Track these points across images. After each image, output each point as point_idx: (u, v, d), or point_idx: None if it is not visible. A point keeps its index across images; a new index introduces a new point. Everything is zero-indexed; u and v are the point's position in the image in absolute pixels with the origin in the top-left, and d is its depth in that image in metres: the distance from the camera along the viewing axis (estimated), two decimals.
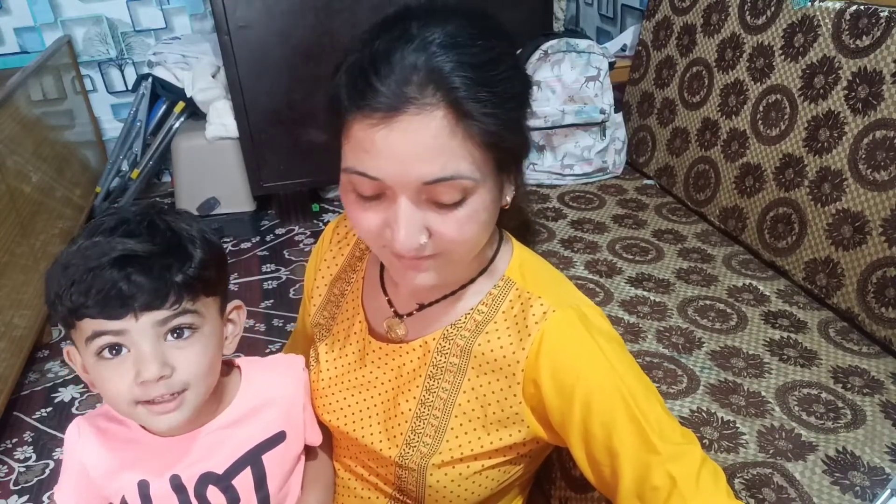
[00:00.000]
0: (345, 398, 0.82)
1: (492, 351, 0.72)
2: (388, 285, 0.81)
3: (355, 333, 0.82)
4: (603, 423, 0.67)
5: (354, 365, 0.82)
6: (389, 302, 0.80)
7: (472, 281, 0.75)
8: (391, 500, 0.81)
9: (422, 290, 0.74)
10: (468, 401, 0.73)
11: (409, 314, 0.78)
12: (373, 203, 0.64)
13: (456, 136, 0.59)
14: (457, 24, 0.61)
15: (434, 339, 0.75)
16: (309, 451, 0.87)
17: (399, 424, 0.76)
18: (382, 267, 0.83)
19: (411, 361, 0.77)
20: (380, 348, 0.79)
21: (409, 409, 0.76)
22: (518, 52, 1.93)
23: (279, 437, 0.78)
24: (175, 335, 0.67)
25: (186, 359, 0.68)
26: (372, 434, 0.79)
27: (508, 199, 0.70)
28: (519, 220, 0.82)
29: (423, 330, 0.77)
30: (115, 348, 0.66)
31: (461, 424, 0.73)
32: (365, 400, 0.80)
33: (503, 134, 0.62)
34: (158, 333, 0.66)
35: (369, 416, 0.79)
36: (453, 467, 0.74)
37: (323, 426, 0.86)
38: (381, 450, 0.77)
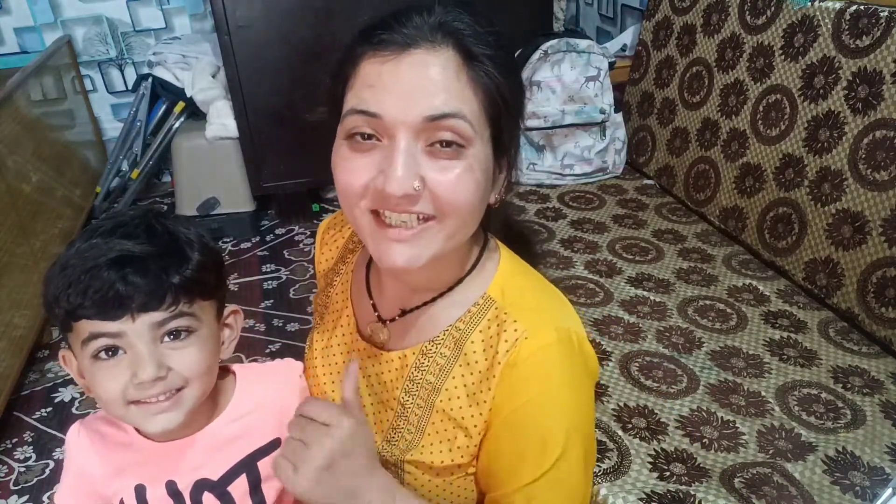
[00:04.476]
0: (333, 381, 0.83)
1: (461, 376, 0.72)
2: (373, 289, 0.82)
3: (342, 326, 0.84)
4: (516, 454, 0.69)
5: (343, 357, 0.83)
6: (374, 306, 0.80)
7: (451, 289, 0.74)
8: None
9: (402, 272, 0.69)
10: (441, 420, 0.74)
11: (392, 320, 0.78)
12: (367, 148, 0.63)
13: (461, 78, 0.62)
14: (468, 9, 0.66)
15: (413, 353, 0.75)
16: None
17: (382, 421, 0.78)
18: (369, 269, 0.83)
19: (390, 371, 0.77)
20: (364, 349, 0.80)
21: (387, 420, 0.77)
22: (517, 52, 1.94)
23: (274, 444, 0.78)
24: (171, 337, 0.68)
25: (183, 359, 0.68)
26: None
27: (497, 194, 0.70)
28: (510, 231, 0.82)
29: (403, 339, 0.77)
30: (112, 350, 0.66)
31: (432, 444, 0.74)
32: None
33: (503, 88, 0.64)
34: (155, 336, 0.66)
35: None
36: (427, 478, 0.74)
37: None
38: None
